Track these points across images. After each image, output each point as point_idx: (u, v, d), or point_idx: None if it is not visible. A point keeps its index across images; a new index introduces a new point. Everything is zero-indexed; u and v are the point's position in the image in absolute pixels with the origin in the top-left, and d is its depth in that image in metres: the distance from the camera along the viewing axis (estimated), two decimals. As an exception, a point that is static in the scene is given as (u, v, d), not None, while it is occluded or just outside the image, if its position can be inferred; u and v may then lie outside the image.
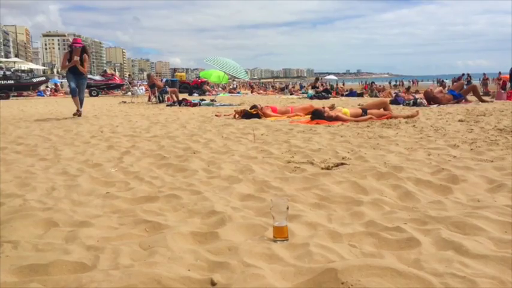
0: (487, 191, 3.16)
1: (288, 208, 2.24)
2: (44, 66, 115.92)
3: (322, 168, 3.91)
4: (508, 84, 21.07)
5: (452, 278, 1.71)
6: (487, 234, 2.23)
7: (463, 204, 2.80)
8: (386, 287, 1.62)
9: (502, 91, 16.76)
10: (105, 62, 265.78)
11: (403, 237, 2.20)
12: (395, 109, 10.87)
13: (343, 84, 49.62)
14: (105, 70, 43.28)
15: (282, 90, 31.76)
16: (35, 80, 29.93)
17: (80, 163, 4.44)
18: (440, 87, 16.13)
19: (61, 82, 45.99)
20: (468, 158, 4.30)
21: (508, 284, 1.67)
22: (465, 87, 14.54)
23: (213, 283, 1.72)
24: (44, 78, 33.46)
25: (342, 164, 4.08)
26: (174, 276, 1.73)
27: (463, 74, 32.25)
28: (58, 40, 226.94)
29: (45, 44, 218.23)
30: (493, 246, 2.09)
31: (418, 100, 12.08)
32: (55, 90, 33.15)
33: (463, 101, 12.83)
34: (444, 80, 39.76)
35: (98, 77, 30.93)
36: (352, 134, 6.32)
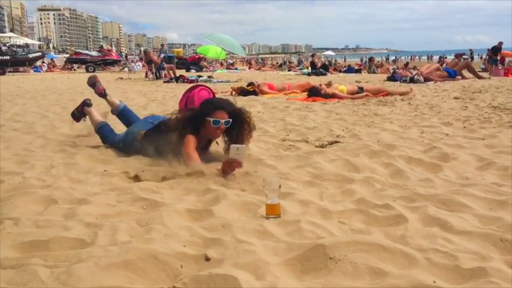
0: (476, 168, 3.23)
1: (280, 186, 2.32)
2: (40, 41, 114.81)
3: (317, 146, 3.98)
4: (506, 60, 21.04)
5: (435, 253, 1.79)
6: (473, 211, 2.32)
7: (451, 182, 2.88)
8: (372, 261, 1.70)
9: (500, 67, 16.73)
10: (101, 37, 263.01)
11: (391, 214, 2.28)
12: (392, 85, 10.89)
13: (345, 60, 49.42)
14: (102, 46, 42.87)
15: (280, 66, 31.58)
16: (31, 56, 29.66)
17: (78, 141, 4.48)
18: (438, 64, 16.08)
19: (58, 57, 45.57)
20: (460, 136, 4.37)
21: (489, 259, 1.75)
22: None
23: (207, 258, 1.80)
24: (40, 53, 33.15)
25: (336, 142, 4.15)
26: (170, 252, 1.80)
27: (470, 54, 31.50)
28: (53, 14, 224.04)
29: (41, 19, 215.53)
30: (478, 223, 2.17)
31: (415, 77, 12.07)
32: (52, 66, 32.86)
33: (459, 77, 12.86)
34: (442, 56, 39.43)
35: (94, 53, 30.68)
36: (348, 111, 6.37)
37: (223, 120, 3.26)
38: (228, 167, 2.96)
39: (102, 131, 4.23)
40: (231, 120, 3.31)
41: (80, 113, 4.59)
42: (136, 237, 2.03)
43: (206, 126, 3.28)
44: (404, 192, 2.64)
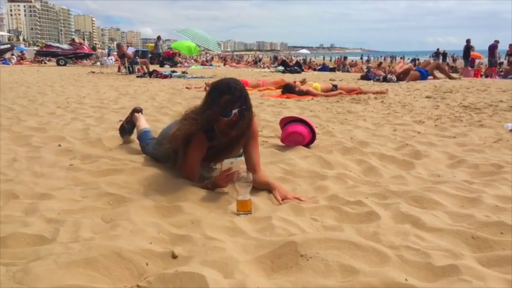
0: (447, 166, 3.25)
1: (251, 182, 2.26)
2: (10, 33, 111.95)
3: (290, 143, 3.93)
4: (476, 61, 21.60)
5: (407, 250, 1.76)
6: (444, 209, 2.31)
7: (423, 179, 2.88)
8: (343, 259, 1.66)
9: (470, 68, 17.09)
10: (73, 30, 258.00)
11: (363, 211, 2.25)
12: (365, 84, 10.97)
13: (324, 59, 50.05)
14: (73, 39, 41.96)
15: (255, 63, 31.52)
16: None
17: (44, 134, 4.33)
18: (411, 64, 16.31)
19: (28, 50, 44.38)
20: (432, 134, 4.40)
21: (460, 256, 1.73)
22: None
23: (174, 256, 1.73)
24: (9, 45, 32.25)
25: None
26: (135, 249, 1.72)
27: (442, 55, 31.96)
28: (24, 6, 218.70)
29: (11, 10, 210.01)
30: (449, 220, 2.16)
31: (388, 76, 12.20)
32: (21, 59, 31.97)
33: (431, 77, 13.08)
34: (416, 57, 40.13)
35: (65, 46, 29.98)
36: (322, 108, 6.36)
37: (235, 110, 2.34)
38: (224, 182, 2.43)
39: (143, 136, 3.54)
40: (244, 107, 2.40)
41: (129, 123, 3.83)
42: (100, 233, 1.95)
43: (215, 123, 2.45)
44: (377, 189, 2.62)
